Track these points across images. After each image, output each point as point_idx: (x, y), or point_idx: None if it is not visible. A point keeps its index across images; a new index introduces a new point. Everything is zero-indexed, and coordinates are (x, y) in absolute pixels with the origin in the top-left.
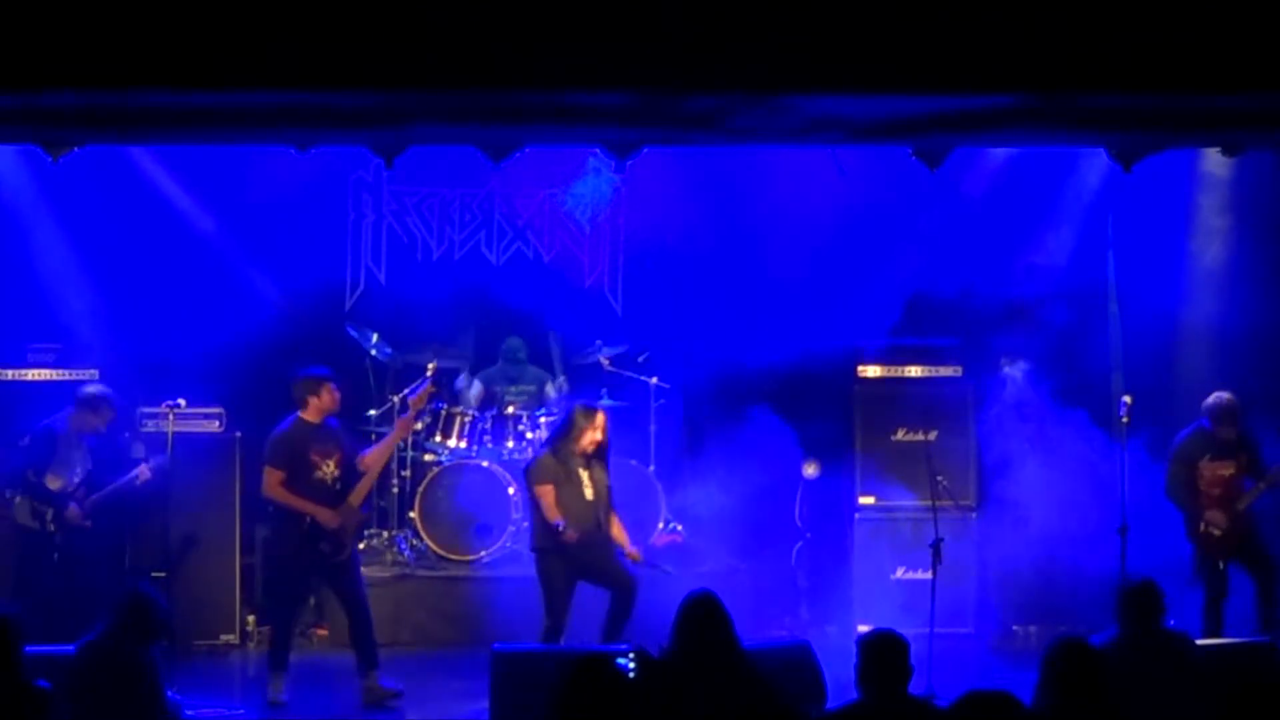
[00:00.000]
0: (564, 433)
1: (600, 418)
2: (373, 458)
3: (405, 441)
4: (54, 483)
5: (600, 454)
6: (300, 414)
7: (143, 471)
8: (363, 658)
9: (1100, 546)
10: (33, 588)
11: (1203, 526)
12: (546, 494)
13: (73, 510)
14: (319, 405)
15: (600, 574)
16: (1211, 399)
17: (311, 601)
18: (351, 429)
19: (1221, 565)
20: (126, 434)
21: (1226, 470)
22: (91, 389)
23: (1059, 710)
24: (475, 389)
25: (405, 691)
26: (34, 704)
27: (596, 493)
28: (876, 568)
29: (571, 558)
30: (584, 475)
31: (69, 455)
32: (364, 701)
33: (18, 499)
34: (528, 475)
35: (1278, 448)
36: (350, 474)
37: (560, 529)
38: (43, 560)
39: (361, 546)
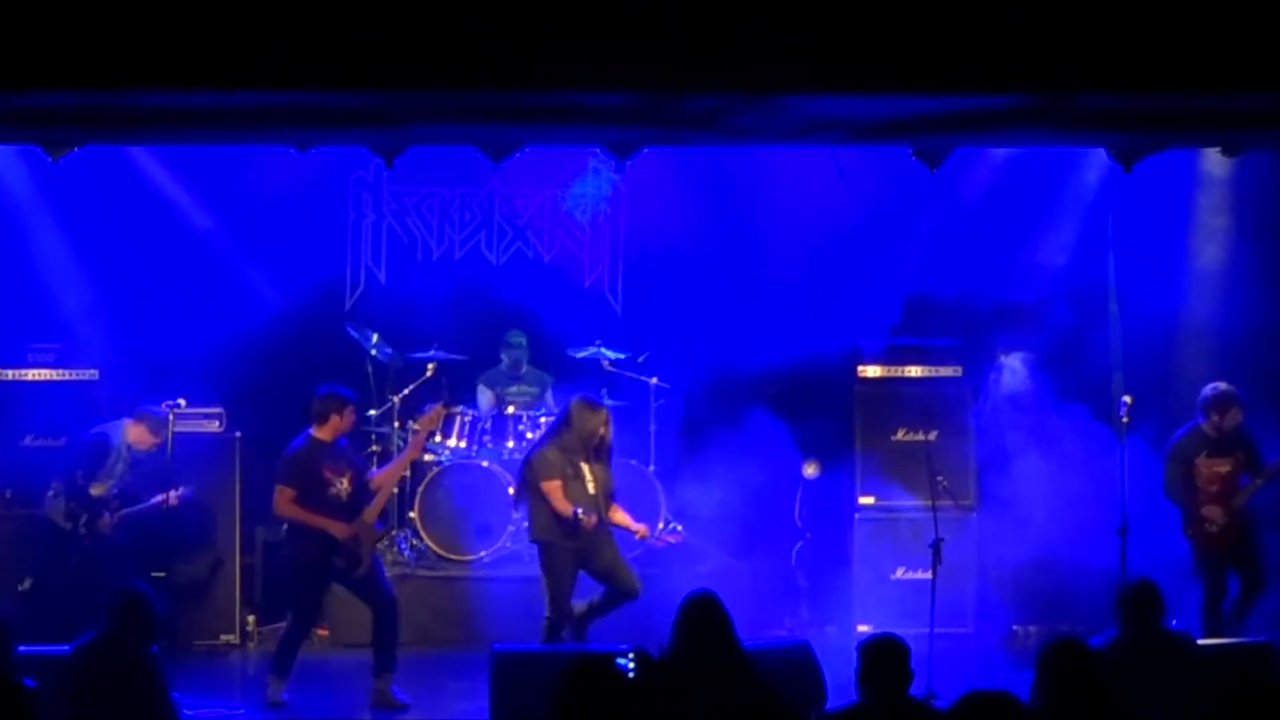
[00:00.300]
0: (566, 426)
1: (605, 412)
2: (384, 477)
3: (405, 440)
4: (97, 490)
5: (602, 450)
6: (313, 431)
7: (170, 497)
8: (380, 661)
9: (1100, 546)
10: (48, 585)
11: (1200, 522)
12: (555, 489)
13: (105, 519)
14: (337, 425)
15: (606, 573)
16: (1207, 389)
17: None
18: (352, 430)
19: (1221, 566)
20: None
21: (1223, 467)
22: (154, 409)
23: (1055, 710)
24: (485, 396)
25: (411, 705)
26: (20, 703)
27: (598, 486)
28: (876, 568)
29: (578, 549)
30: (586, 470)
31: (116, 466)
32: (372, 702)
33: (51, 493)
34: (530, 468)
35: (1277, 445)
36: (362, 491)
37: (577, 515)
38: (63, 560)
39: None
